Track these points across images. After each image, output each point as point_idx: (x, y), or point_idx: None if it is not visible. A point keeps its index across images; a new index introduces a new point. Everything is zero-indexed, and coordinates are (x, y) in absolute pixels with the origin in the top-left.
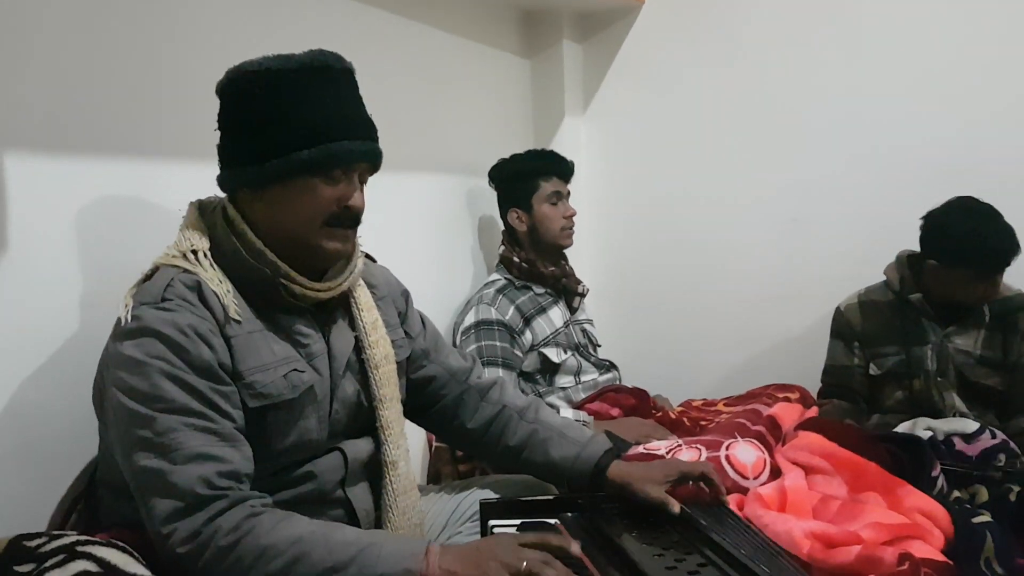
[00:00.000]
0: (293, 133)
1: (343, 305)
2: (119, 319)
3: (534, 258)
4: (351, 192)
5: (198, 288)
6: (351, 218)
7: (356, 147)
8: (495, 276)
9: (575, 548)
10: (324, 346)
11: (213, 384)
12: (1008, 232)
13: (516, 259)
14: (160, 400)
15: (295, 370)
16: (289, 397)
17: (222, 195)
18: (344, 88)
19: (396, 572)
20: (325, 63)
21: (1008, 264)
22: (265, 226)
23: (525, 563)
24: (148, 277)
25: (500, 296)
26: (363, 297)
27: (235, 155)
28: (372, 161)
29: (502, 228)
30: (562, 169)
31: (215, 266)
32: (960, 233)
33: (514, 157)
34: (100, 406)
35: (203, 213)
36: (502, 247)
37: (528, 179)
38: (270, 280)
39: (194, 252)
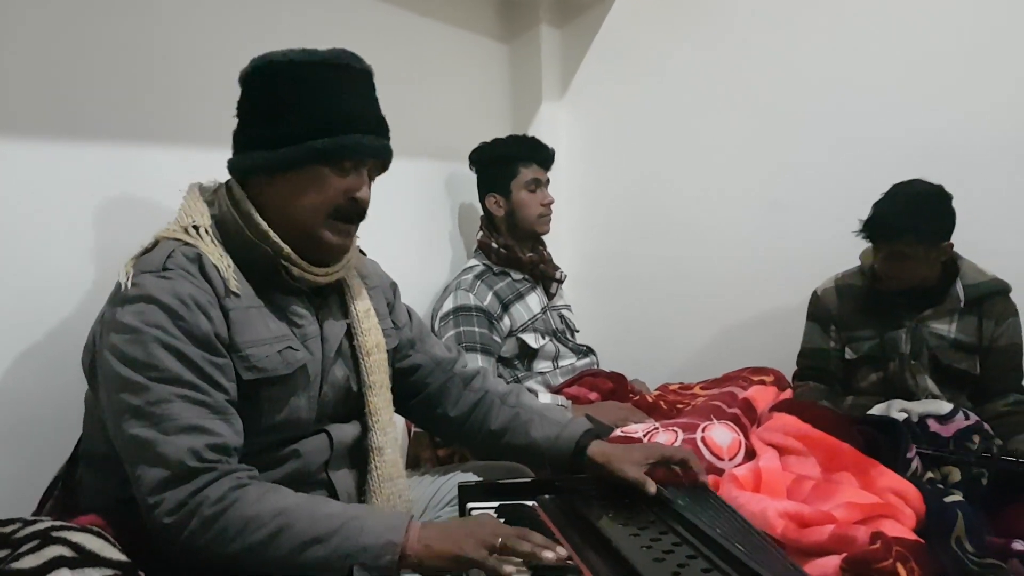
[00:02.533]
0: (309, 122)
1: (337, 292)
2: (118, 284)
3: (512, 244)
4: (359, 185)
5: (199, 260)
6: (357, 212)
7: (368, 141)
8: (473, 262)
9: (561, 551)
10: (317, 328)
11: (208, 355)
12: (909, 209)
13: (494, 245)
14: (154, 369)
15: (289, 347)
16: (283, 373)
17: (220, 180)
18: (362, 87)
19: (378, 543)
20: (346, 62)
21: (894, 238)
22: (272, 212)
23: (500, 539)
24: (149, 249)
25: (478, 282)
26: (356, 286)
27: (251, 140)
28: (382, 158)
29: (480, 213)
30: (542, 156)
31: (216, 242)
32: (875, 204)
33: (495, 141)
34: (91, 370)
35: (204, 193)
36: (480, 233)
37: (507, 164)
38: (271, 260)
39: (195, 228)
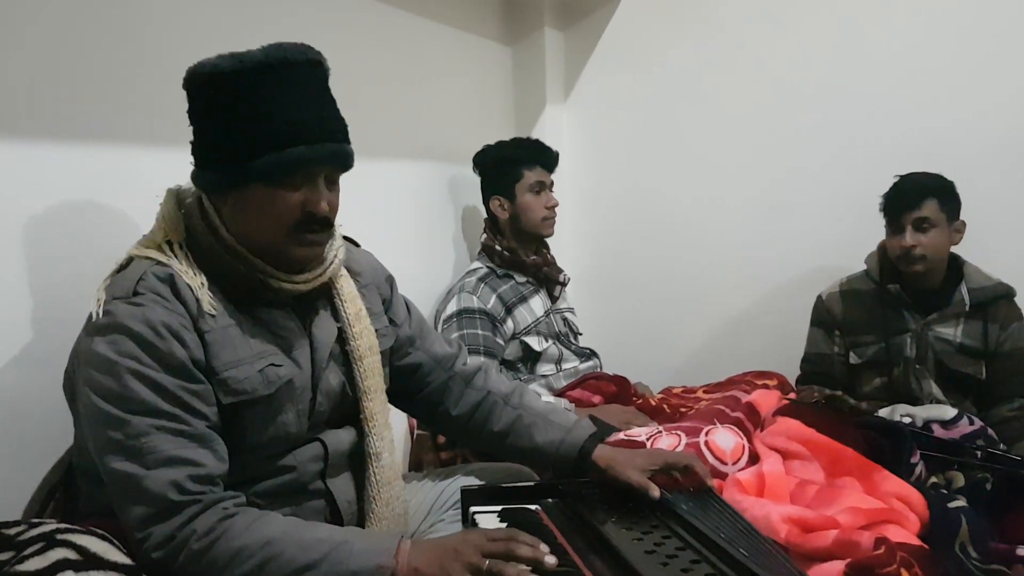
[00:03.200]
0: (245, 141)
1: (325, 295)
2: (91, 314)
3: (515, 247)
4: (315, 197)
5: (171, 281)
6: (319, 222)
7: (312, 153)
8: (477, 264)
9: (549, 560)
10: (305, 338)
11: (185, 383)
12: (928, 180)
13: (498, 247)
14: (131, 401)
15: (272, 364)
16: (264, 393)
17: None
18: (306, 86)
19: (368, 567)
20: (283, 58)
21: (920, 202)
22: (234, 228)
23: (487, 563)
24: (121, 268)
25: (482, 285)
26: (346, 287)
27: (198, 156)
28: (332, 164)
29: (484, 216)
30: (546, 159)
31: (190, 258)
32: (891, 186)
33: (499, 144)
34: (72, 398)
35: (180, 202)
36: (484, 235)
37: (511, 167)
38: (246, 275)
39: (169, 243)
